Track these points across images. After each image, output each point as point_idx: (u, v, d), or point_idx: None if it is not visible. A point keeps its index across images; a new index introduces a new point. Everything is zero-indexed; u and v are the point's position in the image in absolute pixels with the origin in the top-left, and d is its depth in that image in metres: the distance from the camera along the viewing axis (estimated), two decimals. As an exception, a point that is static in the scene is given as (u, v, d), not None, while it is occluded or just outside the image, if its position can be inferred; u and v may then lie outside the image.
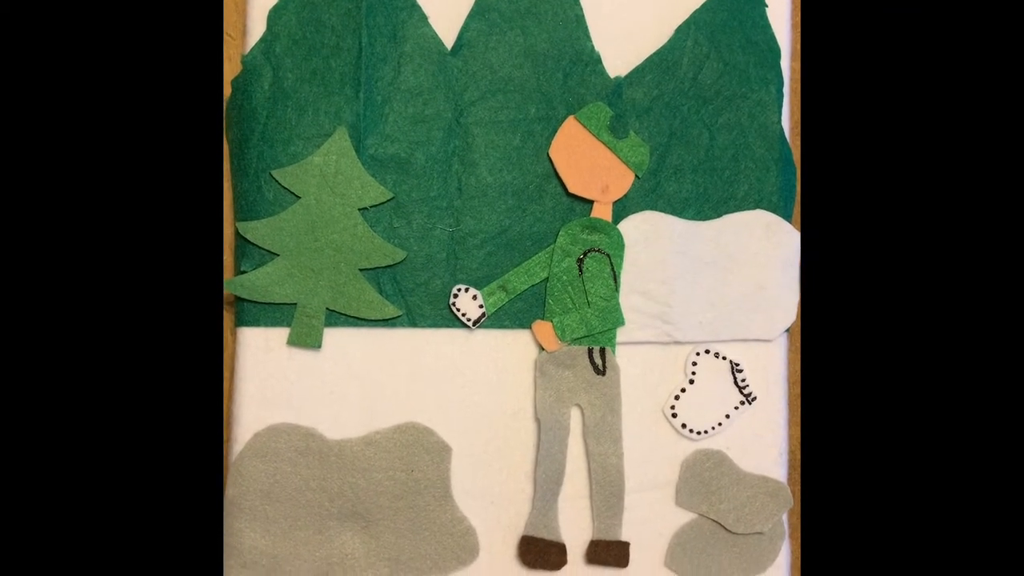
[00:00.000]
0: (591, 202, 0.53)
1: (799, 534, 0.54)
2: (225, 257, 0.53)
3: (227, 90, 0.52)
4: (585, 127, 0.53)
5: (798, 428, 0.55)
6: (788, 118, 0.55)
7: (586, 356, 0.52)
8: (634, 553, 0.52)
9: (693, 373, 0.53)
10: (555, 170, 0.53)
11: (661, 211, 0.53)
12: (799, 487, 0.54)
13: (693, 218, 0.53)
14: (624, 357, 0.53)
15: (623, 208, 0.53)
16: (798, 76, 0.56)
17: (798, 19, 0.56)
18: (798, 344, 0.56)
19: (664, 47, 0.54)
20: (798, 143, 0.55)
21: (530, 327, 0.52)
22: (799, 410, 0.55)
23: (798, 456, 0.55)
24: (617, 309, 0.52)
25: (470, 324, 0.52)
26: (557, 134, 0.53)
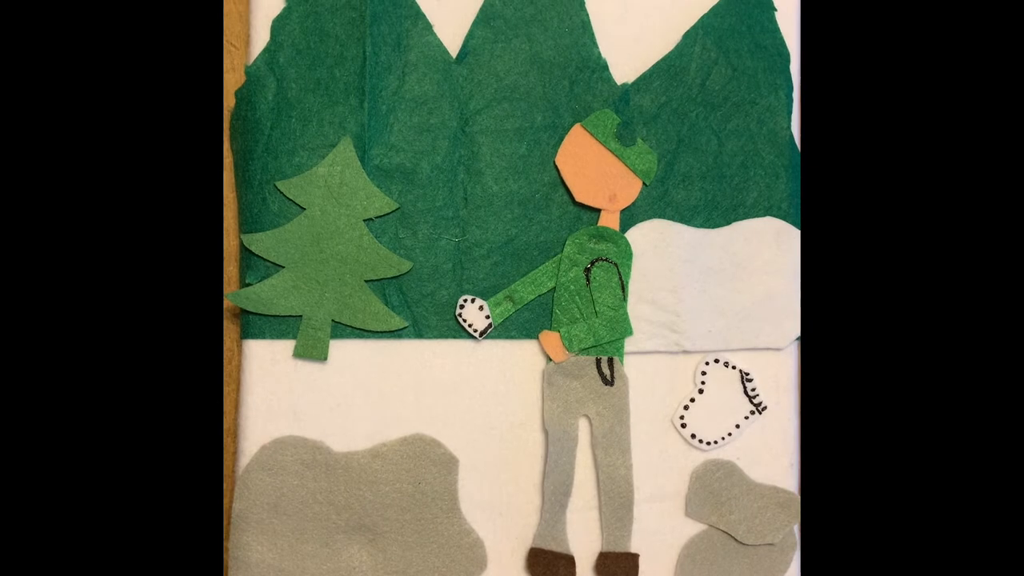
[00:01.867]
0: (598, 211, 0.52)
1: (800, 543, 0.54)
2: (231, 269, 0.53)
3: (230, 101, 0.52)
4: (592, 135, 0.52)
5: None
6: (798, 124, 0.54)
7: (594, 366, 0.52)
8: (643, 565, 0.52)
9: (702, 383, 0.53)
10: (562, 179, 0.52)
11: (669, 219, 0.53)
12: (800, 496, 0.54)
13: (702, 226, 0.53)
14: (632, 367, 0.52)
15: (631, 216, 0.52)
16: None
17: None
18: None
19: (671, 53, 0.53)
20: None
21: (537, 337, 0.52)
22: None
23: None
24: (625, 319, 0.52)
25: (477, 335, 0.51)
26: (563, 142, 0.52)
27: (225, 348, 0.52)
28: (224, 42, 0.53)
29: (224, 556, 0.51)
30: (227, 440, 0.52)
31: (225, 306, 0.52)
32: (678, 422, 0.53)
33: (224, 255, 0.52)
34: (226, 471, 0.52)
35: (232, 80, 0.53)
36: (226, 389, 0.52)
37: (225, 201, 0.52)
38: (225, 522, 0.51)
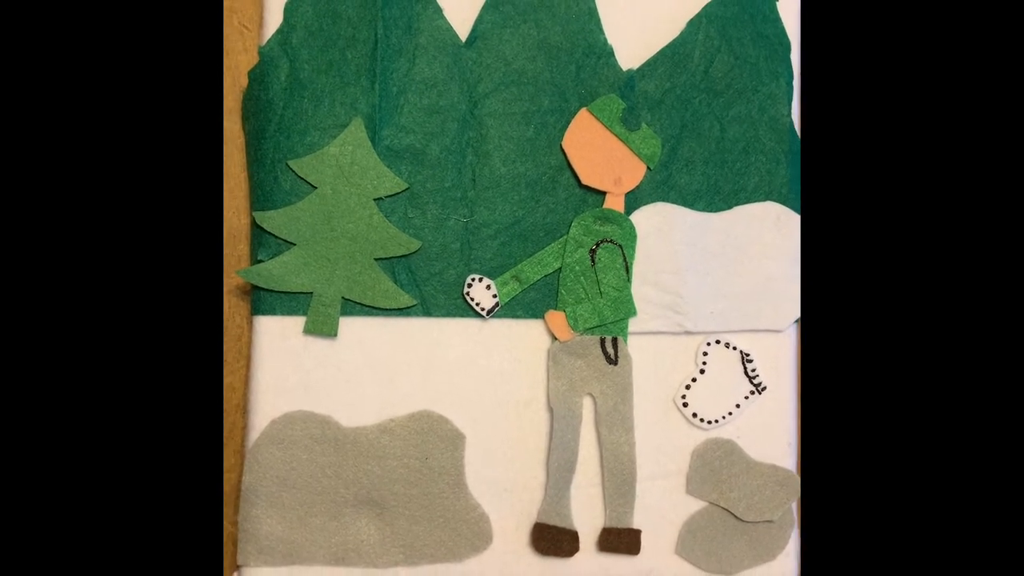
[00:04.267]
0: (604, 193, 0.53)
1: (800, 521, 0.55)
2: (242, 247, 0.53)
3: (244, 81, 0.53)
4: (598, 119, 0.53)
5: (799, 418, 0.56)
6: (798, 111, 0.56)
7: (598, 346, 0.53)
8: (645, 541, 0.53)
9: (704, 363, 0.54)
10: (568, 162, 0.53)
11: (673, 203, 0.54)
12: (800, 474, 0.55)
13: (704, 210, 0.54)
14: (636, 347, 0.53)
15: (635, 199, 0.54)
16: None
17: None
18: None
19: (676, 40, 0.54)
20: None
21: (543, 317, 0.53)
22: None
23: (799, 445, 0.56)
24: (629, 299, 0.53)
25: (484, 314, 0.52)
26: (570, 126, 0.53)
27: (235, 324, 0.53)
28: (237, 24, 0.54)
29: (224, 530, 0.52)
30: (237, 415, 0.52)
31: (236, 283, 0.53)
32: (680, 401, 0.54)
33: (235, 233, 0.53)
34: (236, 445, 0.52)
35: (245, 61, 0.54)
36: (236, 364, 0.53)
37: (237, 180, 0.53)
38: (234, 495, 0.52)
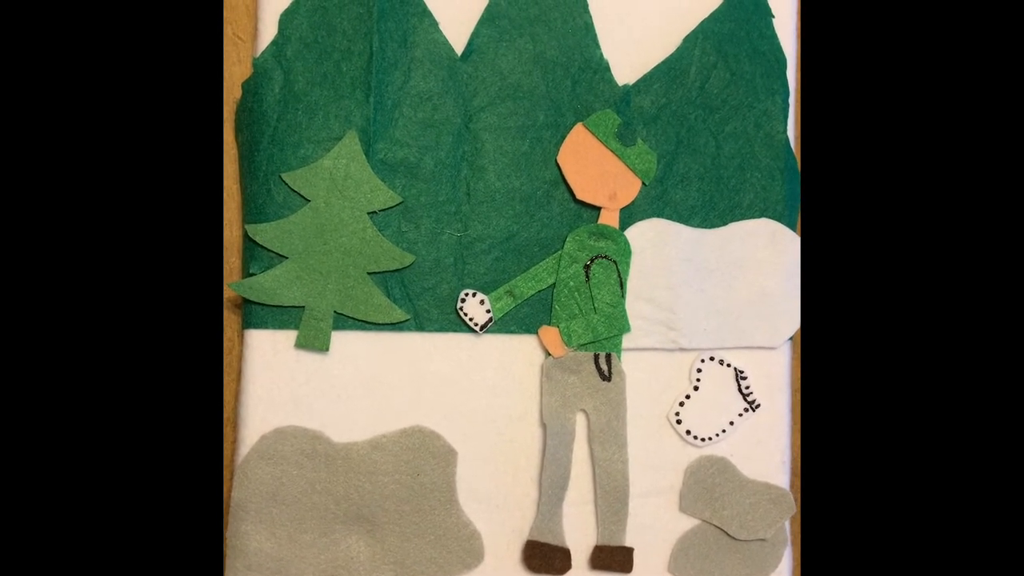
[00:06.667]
0: (598, 209, 0.53)
1: (799, 540, 0.55)
2: (234, 260, 0.53)
3: (237, 93, 0.53)
4: (593, 134, 0.53)
5: (799, 435, 0.56)
6: (794, 128, 0.56)
7: (592, 362, 0.53)
8: (638, 558, 0.53)
9: (698, 380, 0.54)
10: (563, 176, 0.53)
11: (668, 219, 0.54)
12: (799, 493, 0.55)
13: (699, 226, 0.54)
14: (630, 363, 0.53)
15: (630, 215, 0.53)
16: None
17: (804, 30, 0.56)
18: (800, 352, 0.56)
19: (672, 56, 0.54)
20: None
21: (537, 332, 0.53)
22: (799, 417, 0.56)
23: (798, 462, 0.55)
24: (623, 315, 0.53)
25: (477, 329, 0.52)
26: (565, 141, 0.53)
27: (227, 338, 0.52)
28: (232, 35, 0.54)
29: (224, 545, 0.51)
30: (227, 429, 0.52)
31: (227, 296, 0.52)
32: (673, 418, 0.53)
33: (227, 245, 0.53)
34: (226, 460, 0.52)
35: (239, 72, 0.53)
36: (227, 378, 0.52)
37: (230, 192, 0.53)
38: (224, 511, 0.51)
